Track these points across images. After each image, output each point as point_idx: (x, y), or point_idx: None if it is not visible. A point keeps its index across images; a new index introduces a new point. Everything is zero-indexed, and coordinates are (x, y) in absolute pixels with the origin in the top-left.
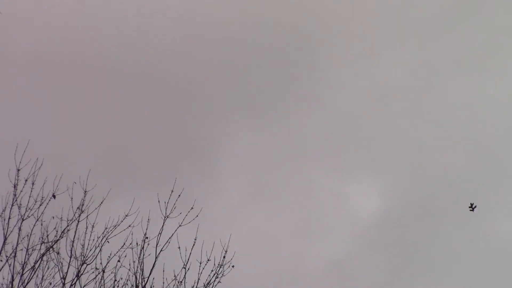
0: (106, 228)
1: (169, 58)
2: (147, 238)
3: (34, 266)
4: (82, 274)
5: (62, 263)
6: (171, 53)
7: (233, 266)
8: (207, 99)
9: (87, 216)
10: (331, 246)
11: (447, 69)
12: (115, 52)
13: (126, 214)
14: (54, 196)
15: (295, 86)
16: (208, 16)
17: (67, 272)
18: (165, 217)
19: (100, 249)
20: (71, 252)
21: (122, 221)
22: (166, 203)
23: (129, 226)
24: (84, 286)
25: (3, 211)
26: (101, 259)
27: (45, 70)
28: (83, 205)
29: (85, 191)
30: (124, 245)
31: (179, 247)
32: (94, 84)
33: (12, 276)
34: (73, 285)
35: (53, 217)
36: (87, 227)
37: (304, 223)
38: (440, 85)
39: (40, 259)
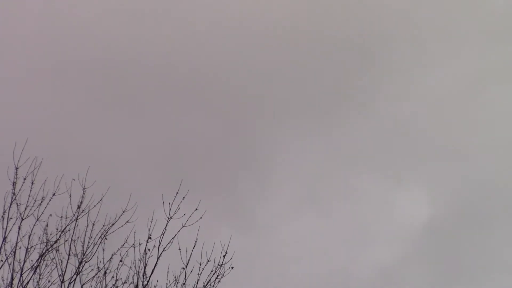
0: (104, 226)
1: (224, 65)
2: (150, 238)
3: (33, 266)
4: (81, 272)
5: (61, 261)
6: (225, 61)
7: (232, 268)
8: (261, 106)
9: (87, 213)
10: (379, 254)
11: (498, 78)
12: (169, 59)
13: (123, 210)
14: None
15: (349, 94)
16: (263, 24)
17: (65, 270)
18: (168, 218)
19: (98, 247)
20: (69, 250)
21: (119, 218)
22: (170, 204)
23: (127, 222)
24: (84, 284)
25: (3, 212)
26: (103, 257)
27: (103, 77)
28: (81, 202)
29: (84, 188)
30: (126, 244)
31: (179, 249)
32: (149, 92)
33: (12, 276)
34: (72, 283)
35: (51, 215)
36: (87, 225)
37: (352, 230)
38: (492, 93)
39: (40, 259)
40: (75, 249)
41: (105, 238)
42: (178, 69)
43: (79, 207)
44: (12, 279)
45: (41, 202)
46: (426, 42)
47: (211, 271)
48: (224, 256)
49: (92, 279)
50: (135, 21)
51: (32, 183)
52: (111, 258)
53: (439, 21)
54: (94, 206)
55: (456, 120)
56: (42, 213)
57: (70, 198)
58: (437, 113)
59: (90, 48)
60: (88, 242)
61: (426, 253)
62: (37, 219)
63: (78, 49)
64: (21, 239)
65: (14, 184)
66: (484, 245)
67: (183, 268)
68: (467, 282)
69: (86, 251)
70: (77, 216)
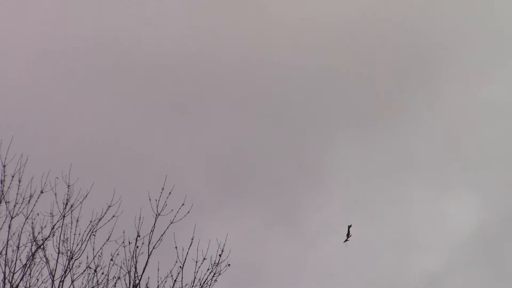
0: (91, 222)
1: (283, 75)
2: (139, 236)
3: (25, 264)
4: (70, 270)
5: (48, 259)
6: (284, 70)
7: (229, 265)
8: (317, 115)
9: (71, 211)
10: (428, 261)
11: None
12: (231, 68)
13: (109, 205)
14: None
15: (403, 103)
16: (318, 36)
17: (55, 269)
18: (156, 215)
19: (87, 244)
20: (58, 249)
21: (105, 213)
22: (157, 201)
23: (113, 216)
24: (73, 281)
25: None
26: (94, 256)
27: (169, 83)
28: (68, 200)
29: (68, 186)
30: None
31: (176, 247)
32: (210, 98)
33: (4, 274)
34: (62, 281)
35: (38, 214)
36: (71, 221)
37: (401, 237)
38: None
39: (32, 257)
40: (65, 247)
41: (93, 235)
42: (242, 78)
43: (65, 204)
44: (5, 278)
45: (30, 199)
46: (480, 52)
47: (208, 269)
48: (220, 255)
49: (83, 277)
50: (200, 29)
51: (20, 181)
52: (100, 249)
53: (494, 32)
54: (80, 203)
55: (506, 128)
56: (32, 210)
57: (56, 196)
58: (487, 121)
59: (155, 53)
60: (76, 239)
61: (475, 259)
62: (27, 217)
63: (141, 53)
64: (11, 236)
65: (2, 182)
66: None
67: (180, 267)
68: None
69: (74, 248)
70: (64, 214)
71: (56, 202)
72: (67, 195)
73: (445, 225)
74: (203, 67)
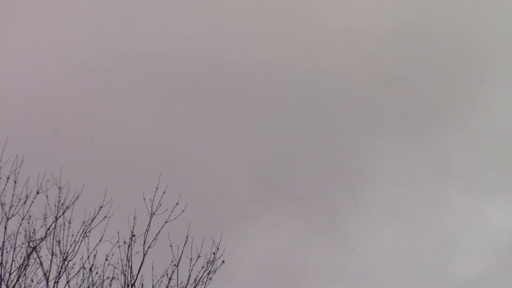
0: (84, 222)
1: (327, 81)
2: (134, 236)
3: (21, 265)
4: (64, 271)
5: (41, 262)
6: (328, 76)
7: (223, 262)
8: (361, 121)
9: (63, 213)
10: (467, 266)
11: None
12: (275, 74)
13: (100, 205)
14: None
15: (446, 109)
16: (369, 41)
17: (49, 269)
18: (151, 215)
19: (80, 244)
20: (52, 250)
21: (97, 213)
22: (152, 200)
23: (105, 217)
24: (68, 282)
25: None
26: (88, 257)
27: (206, 91)
28: (59, 201)
29: (60, 188)
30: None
31: (170, 246)
32: (254, 104)
33: (1, 276)
34: (57, 282)
35: (30, 216)
36: (64, 223)
37: (440, 242)
38: None
39: (27, 258)
40: (59, 248)
41: (86, 236)
42: (285, 84)
43: (57, 206)
44: (2, 279)
45: (25, 200)
46: None
47: (202, 267)
48: (214, 253)
49: (78, 276)
50: (246, 34)
51: (15, 182)
52: (93, 250)
53: None
54: (72, 204)
55: None
56: (28, 211)
57: (47, 198)
58: None
59: (199, 57)
60: (69, 240)
61: None
62: (23, 218)
63: (185, 56)
64: (7, 238)
65: None
66: None
67: (175, 265)
68: None
69: (67, 250)
70: (57, 215)
71: (48, 204)
72: (58, 196)
73: (485, 230)
74: (247, 72)
